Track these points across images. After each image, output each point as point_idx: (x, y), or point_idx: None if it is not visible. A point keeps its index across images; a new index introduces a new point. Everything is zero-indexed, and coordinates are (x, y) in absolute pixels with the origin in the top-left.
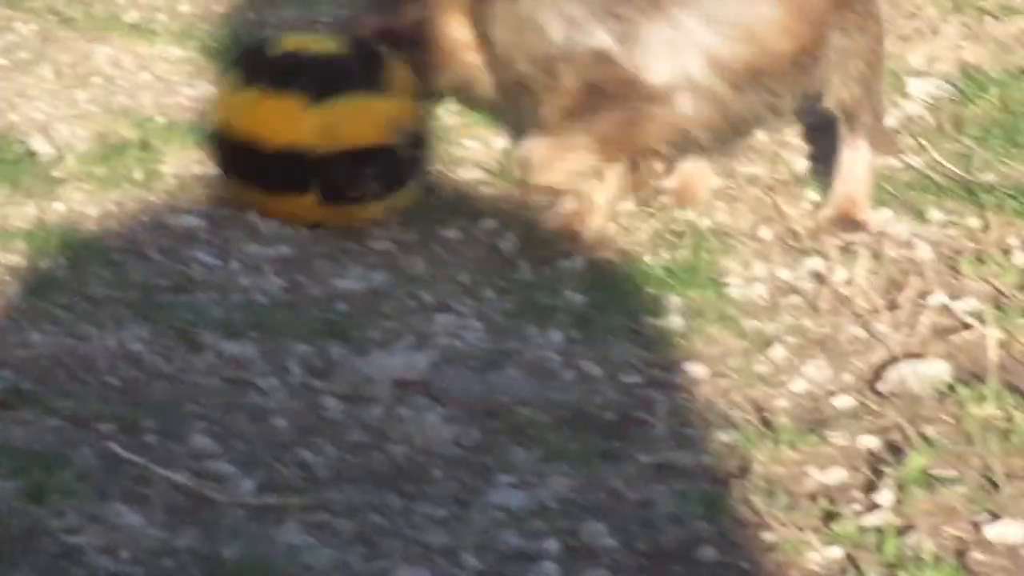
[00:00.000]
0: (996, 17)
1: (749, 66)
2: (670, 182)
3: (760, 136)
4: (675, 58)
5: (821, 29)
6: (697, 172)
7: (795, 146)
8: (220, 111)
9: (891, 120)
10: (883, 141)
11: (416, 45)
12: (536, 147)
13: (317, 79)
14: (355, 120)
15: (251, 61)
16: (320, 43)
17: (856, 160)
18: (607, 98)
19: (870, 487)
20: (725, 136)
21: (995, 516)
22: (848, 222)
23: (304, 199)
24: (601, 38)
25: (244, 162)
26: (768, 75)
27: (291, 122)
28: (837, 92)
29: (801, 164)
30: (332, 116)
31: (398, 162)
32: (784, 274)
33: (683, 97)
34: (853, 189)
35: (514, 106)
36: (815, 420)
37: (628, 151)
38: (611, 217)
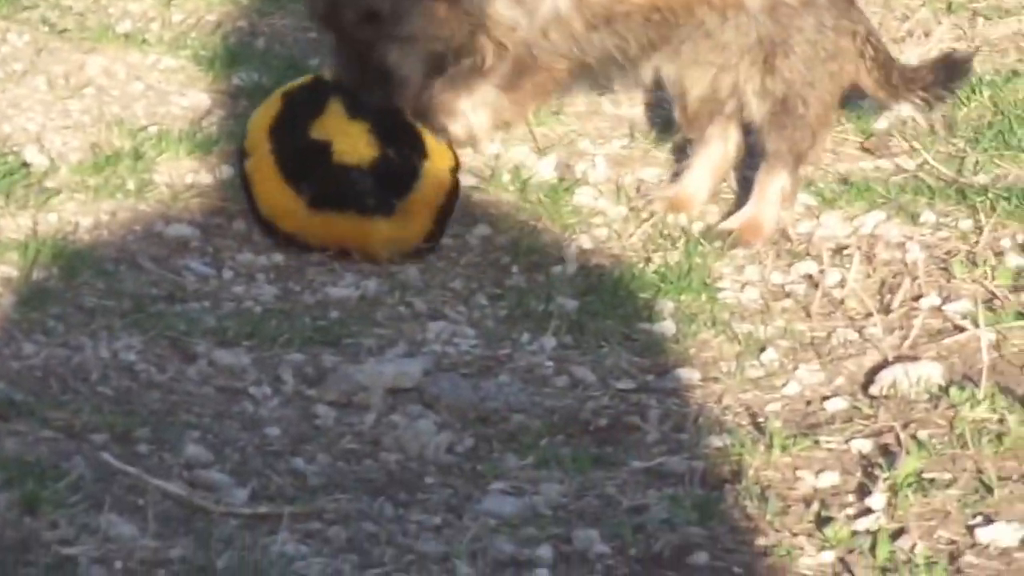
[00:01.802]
0: (988, 18)
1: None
2: (666, 190)
3: (753, 140)
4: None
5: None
6: (694, 182)
7: None
8: (250, 138)
9: (883, 123)
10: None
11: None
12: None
13: (323, 186)
14: (346, 232)
15: (284, 132)
16: (349, 143)
17: (766, 186)
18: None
19: (863, 491)
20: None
21: (988, 519)
22: (743, 241)
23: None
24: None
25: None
26: (620, 22)
27: (285, 210)
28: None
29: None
30: (325, 223)
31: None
32: (777, 278)
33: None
34: (758, 211)
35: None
36: (808, 424)
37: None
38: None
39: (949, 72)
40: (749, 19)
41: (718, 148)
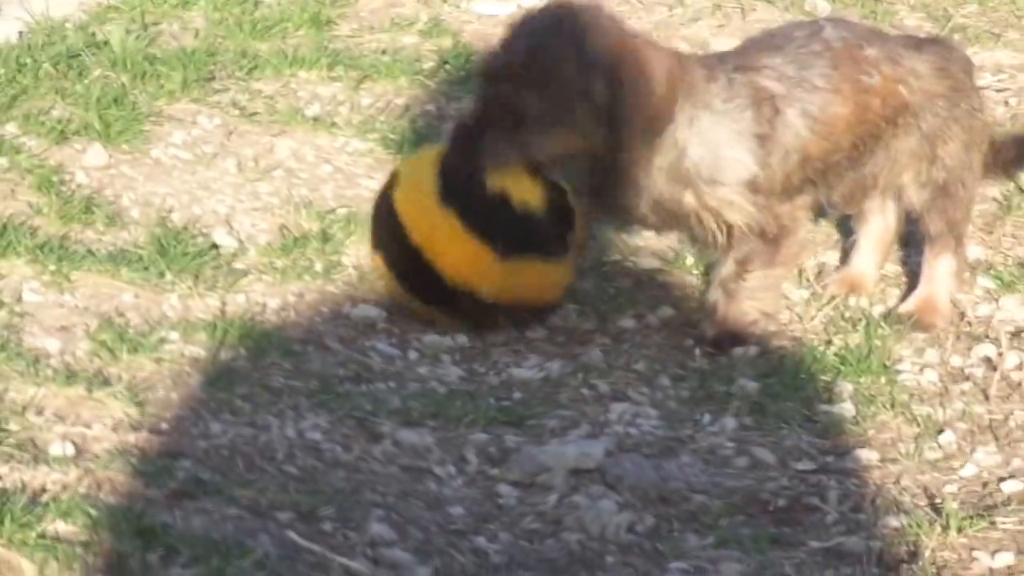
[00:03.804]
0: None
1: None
2: (840, 271)
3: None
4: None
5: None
6: (863, 260)
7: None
8: (411, 213)
9: None
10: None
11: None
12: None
13: (512, 235)
14: (533, 280)
15: (458, 188)
16: (523, 188)
17: (935, 267)
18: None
19: None
20: None
21: None
22: (923, 324)
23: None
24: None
25: (418, 276)
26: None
27: (477, 268)
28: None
29: (972, 253)
30: (514, 273)
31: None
32: (956, 360)
33: None
34: (932, 292)
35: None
36: (984, 505)
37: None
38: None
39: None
40: (912, 116)
41: (879, 223)
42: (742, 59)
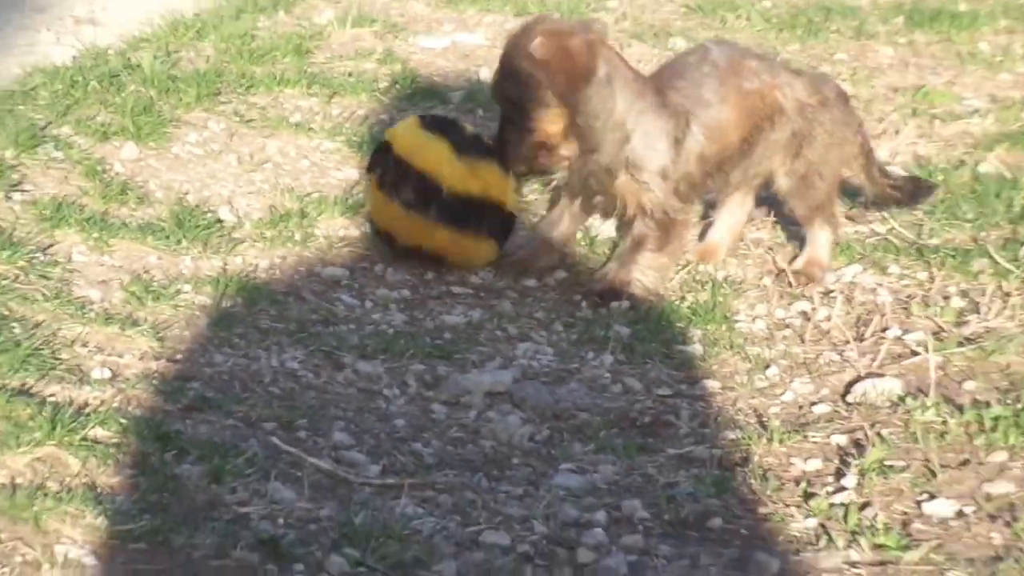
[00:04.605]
0: (944, 121)
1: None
2: (697, 245)
3: (765, 211)
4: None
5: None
6: (717, 237)
7: (791, 218)
8: (402, 143)
9: (862, 199)
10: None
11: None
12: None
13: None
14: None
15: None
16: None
17: (816, 237)
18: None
19: (839, 474)
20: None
21: (932, 496)
22: (809, 276)
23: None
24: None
25: (403, 180)
26: (726, 163)
27: (441, 163)
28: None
29: (794, 231)
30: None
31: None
32: (779, 313)
33: None
34: (814, 254)
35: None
36: (799, 423)
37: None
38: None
39: (915, 190)
40: (787, 120)
41: (736, 214)
42: (665, 80)
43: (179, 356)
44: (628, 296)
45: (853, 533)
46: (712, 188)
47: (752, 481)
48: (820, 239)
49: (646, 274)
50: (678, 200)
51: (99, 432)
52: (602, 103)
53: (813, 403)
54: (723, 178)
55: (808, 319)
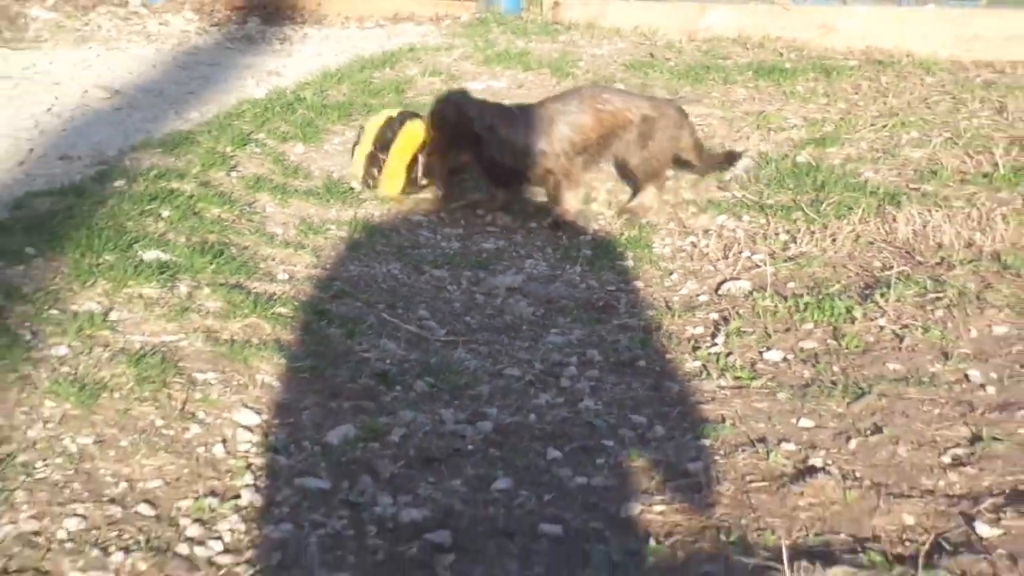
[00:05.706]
0: (775, 132)
1: (584, 142)
2: (631, 202)
3: (672, 182)
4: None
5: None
6: (645, 198)
7: (686, 188)
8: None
9: (728, 176)
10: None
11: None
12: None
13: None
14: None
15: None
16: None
17: (645, 190)
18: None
19: (714, 336)
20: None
21: (769, 348)
22: (637, 214)
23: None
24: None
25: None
26: (591, 146)
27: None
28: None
29: (687, 195)
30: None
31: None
32: (679, 242)
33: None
34: (642, 200)
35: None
36: (691, 306)
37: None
38: (655, 213)
39: (731, 159)
40: (635, 126)
41: (648, 190)
42: (542, 103)
43: (328, 266)
44: (570, 218)
45: (722, 370)
46: (593, 161)
47: (663, 340)
48: (649, 192)
49: (570, 202)
50: (562, 165)
51: (282, 310)
52: (487, 130)
53: (698, 295)
54: (592, 157)
55: (695, 246)
